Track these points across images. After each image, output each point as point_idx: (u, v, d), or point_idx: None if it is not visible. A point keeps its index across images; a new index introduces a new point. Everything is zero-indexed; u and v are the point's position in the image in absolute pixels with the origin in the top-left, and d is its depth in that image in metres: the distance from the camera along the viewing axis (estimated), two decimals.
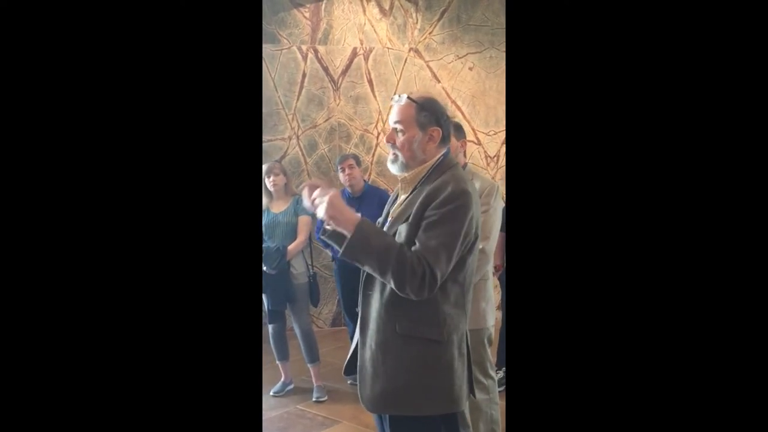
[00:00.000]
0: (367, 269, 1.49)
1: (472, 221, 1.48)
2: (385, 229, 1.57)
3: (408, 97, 1.55)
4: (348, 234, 1.45)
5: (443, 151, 1.58)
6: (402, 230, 1.50)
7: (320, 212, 1.47)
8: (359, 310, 1.61)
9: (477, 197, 1.52)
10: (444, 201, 1.44)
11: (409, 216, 1.49)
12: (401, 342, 1.48)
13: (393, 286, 1.43)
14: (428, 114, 1.54)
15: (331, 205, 1.45)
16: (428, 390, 1.48)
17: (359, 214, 1.49)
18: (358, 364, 1.57)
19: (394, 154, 1.58)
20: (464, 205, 1.45)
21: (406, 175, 1.59)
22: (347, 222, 1.46)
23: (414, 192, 1.55)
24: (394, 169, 1.60)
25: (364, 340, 1.55)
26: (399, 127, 1.55)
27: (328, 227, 1.60)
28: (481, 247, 2.27)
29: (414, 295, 1.42)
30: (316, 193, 1.50)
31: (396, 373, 1.48)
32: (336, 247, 1.53)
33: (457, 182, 1.47)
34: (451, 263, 1.45)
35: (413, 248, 1.44)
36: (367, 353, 1.54)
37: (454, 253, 1.45)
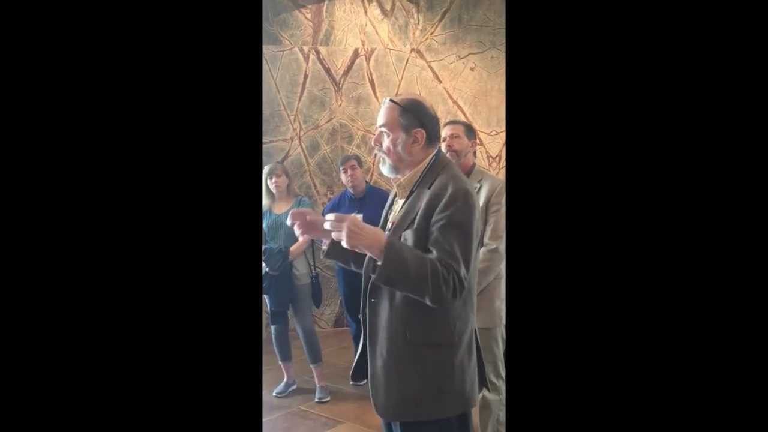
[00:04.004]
0: (400, 289, 1.45)
1: (478, 218, 1.48)
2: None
3: (390, 100, 1.56)
4: (377, 257, 1.39)
5: (433, 151, 1.57)
6: (408, 237, 1.48)
7: (344, 243, 1.41)
8: (361, 316, 1.59)
9: (476, 194, 1.51)
10: (448, 203, 1.43)
11: (413, 221, 1.48)
12: (412, 349, 1.47)
13: (429, 300, 1.39)
14: (411, 116, 1.52)
15: (351, 234, 1.38)
16: (443, 393, 1.47)
17: (384, 234, 1.44)
18: (369, 372, 1.55)
19: (382, 156, 1.58)
20: (468, 203, 1.44)
21: (400, 178, 1.58)
22: (373, 246, 1.39)
23: (412, 196, 1.53)
24: (384, 170, 1.60)
25: (374, 348, 1.53)
26: (384, 129, 1.55)
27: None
28: (494, 246, 2.26)
29: (448, 303, 1.41)
30: (331, 223, 1.42)
31: (409, 380, 1.47)
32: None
33: (456, 182, 1.46)
34: (471, 263, 1.44)
35: (431, 256, 1.41)
36: (378, 362, 1.52)
37: (472, 253, 1.44)
